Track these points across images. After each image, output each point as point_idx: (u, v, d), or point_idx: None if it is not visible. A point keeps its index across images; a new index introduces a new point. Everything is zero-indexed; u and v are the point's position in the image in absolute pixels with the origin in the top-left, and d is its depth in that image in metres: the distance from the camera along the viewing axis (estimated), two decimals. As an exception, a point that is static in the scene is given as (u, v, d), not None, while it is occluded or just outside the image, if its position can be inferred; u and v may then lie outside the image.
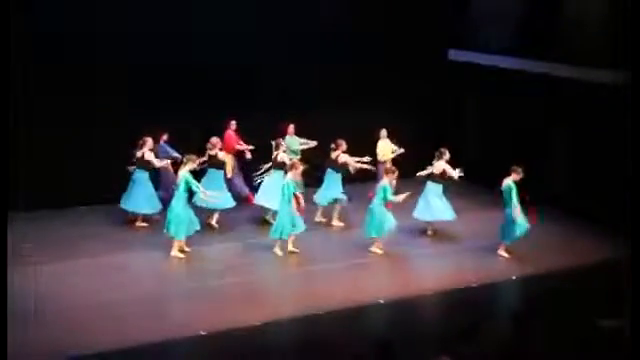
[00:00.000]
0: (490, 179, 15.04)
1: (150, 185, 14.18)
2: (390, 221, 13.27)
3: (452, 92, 18.46)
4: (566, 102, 16.00)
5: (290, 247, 13.31)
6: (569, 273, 13.01)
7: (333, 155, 14.79)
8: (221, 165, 14.53)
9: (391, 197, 13.22)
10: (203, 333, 10.29)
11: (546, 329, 11.02)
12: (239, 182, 15.64)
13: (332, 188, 14.84)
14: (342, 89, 16.74)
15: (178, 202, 12.78)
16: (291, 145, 15.46)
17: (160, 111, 15.02)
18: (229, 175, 15.29)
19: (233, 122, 15.52)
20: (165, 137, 14.93)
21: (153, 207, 14.23)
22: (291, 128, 15.69)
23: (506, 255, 13.56)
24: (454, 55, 18.45)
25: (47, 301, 11.02)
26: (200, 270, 12.70)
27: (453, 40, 18.41)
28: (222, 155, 14.54)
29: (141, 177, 14.06)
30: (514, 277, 12.90)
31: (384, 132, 16.12)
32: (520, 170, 13.20)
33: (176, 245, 12.91)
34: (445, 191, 14.54)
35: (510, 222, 13.27)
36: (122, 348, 9.78)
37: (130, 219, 14.42)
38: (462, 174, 14.22)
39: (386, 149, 16.10)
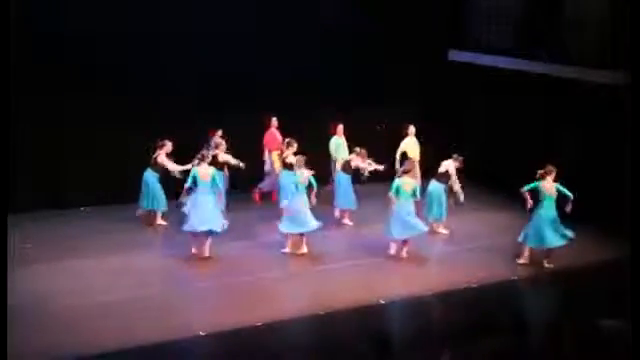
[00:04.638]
0: (490, 179, 15.13)
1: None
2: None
3: (452, 92, 18.42)
4: (566, 102, 16.03)
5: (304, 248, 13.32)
6: (570, 273, 13.02)
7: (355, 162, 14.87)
8: (221, 166, 14.46)
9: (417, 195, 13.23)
10: (202, 334, 10.25)
11: (547, 329, 11.10)
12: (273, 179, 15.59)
13: (348, 192, 14.95)
14: (341, 89, 16.71)
15: (205, 197, 12.79)
16: (337, 146, 15.57)
17: (159, 111, 15.06)
18: (277, 172, 15.20)
19: (274, 119, 15.47)
20: (219, 132, 14.78)
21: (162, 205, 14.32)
22: (340, 128, 15.69)
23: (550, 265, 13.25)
24: (454, 55, 18.45)
25: (47, 301, 10.98)
26: (205, 269, 12.63)
27: (453, 40, 18.42)
28: (222, 157, 14.46)
29: (150, 177, 14.14)
30: (515, 277, 12.87)
31: (412, 129, 15.96)
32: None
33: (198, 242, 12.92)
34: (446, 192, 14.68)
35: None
36: (124, 348, 9.75)
37: (150, 218, 14.42)
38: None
39: (414, 147, 16.00)
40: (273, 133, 15.59)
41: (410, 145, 15.98)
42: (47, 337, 9.96)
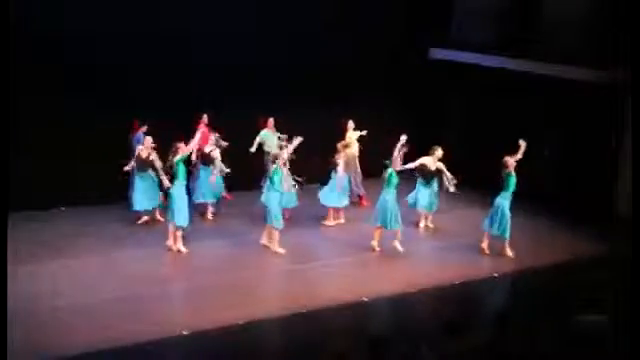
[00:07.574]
0: (472, 177, 15.26)
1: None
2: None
3: (433, 91, 18.41)
4: (548, 100, 16.11)
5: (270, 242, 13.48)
6: (551, 269, 13.28)
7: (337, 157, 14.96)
8: (211, 161, 14.65)
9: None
10: (186, 333, 10.28)
11: (528, 325, 11.30)
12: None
13: (336, 190, 15.00)
14: (323, 88, 16.75)
15: (179, 190, 12.95)
16: (268, 139, 15.55)
17: (157, 111, 14.99)
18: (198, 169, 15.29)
19: (205, 116, 15.27)
20: (144, 128, 14.70)
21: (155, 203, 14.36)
22: (270, 122, 15.64)
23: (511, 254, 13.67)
24: (435, 53, 18.41)
25: (29, 303, 10.78)
26: (190, 268, 12.70)
27: (434, 38, 18.39)
28: (216, 153, 14.67)
29: (146, 176, 14.15)
30: (496, 274, 13.15)
31: (351, 124, 15.91)
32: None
33: (172, 235, 13.04)
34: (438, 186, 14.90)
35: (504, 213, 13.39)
36: (107, 348, 9.74)
37: (139, 217, 14.39)
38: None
39: (353, 142, 15.97)
40: (205, 131, 15.19)
41: (351, 140, 15.89)
42: (28, 337, 9.84)
